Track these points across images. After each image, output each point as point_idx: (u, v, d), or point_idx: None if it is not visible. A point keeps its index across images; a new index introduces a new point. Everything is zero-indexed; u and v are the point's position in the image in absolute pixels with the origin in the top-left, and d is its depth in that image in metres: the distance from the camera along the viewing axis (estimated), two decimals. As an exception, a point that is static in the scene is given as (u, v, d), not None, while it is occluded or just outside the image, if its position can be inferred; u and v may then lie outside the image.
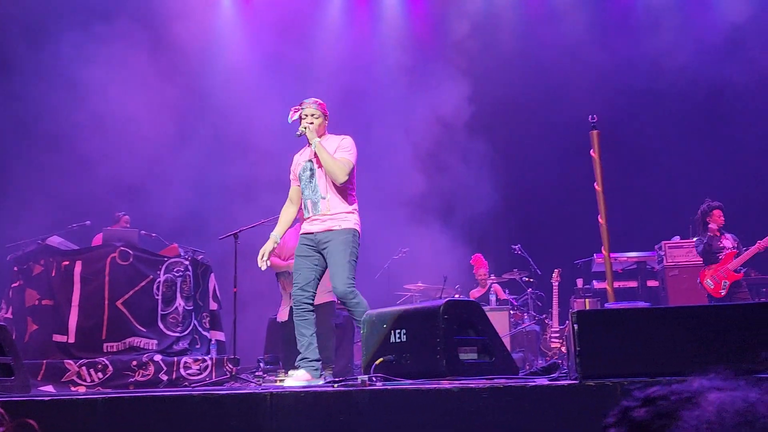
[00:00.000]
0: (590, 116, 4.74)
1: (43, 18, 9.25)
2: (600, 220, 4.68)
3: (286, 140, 10.01)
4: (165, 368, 5.87)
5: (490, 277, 8.89)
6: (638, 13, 10.59)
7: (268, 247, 4.91)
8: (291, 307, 6.72)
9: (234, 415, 2.91)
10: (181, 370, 5.92)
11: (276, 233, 4.97)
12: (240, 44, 10.91)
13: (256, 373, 5.93)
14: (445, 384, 2.98)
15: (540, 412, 2.68)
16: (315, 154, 4.76)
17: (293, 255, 6.76)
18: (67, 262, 6.24)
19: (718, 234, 7.28)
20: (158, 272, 6.30)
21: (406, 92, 10.33)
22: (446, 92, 10.32)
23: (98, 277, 6.14)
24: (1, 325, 3.99)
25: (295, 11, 10.70)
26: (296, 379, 4.53)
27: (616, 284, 7.58)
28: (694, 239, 7.60)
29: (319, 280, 4.85)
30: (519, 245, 9.02)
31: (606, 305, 4.87)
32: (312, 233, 4.77)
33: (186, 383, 5.79)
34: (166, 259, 6.41)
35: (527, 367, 7.41)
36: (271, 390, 3.04)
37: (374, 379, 3.41)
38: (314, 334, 4.81)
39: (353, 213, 4.80)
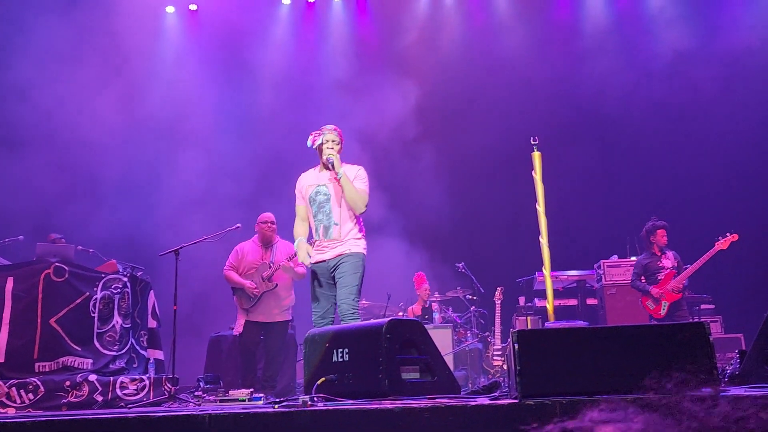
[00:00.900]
0: (532, 138, 4.84)
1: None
2: (541, 239, 4.76)
3: (226, 155, 9.99)
4: (100, 388, 5.68)
5: (433, 294, 8.93)
6: (584, 35, 10.85)
7: (305, 245, 4.96)
8: (246, 321, 6.68)
9: (170, 437, 2.84)
10: (117, 391, 5.74)
11: (300, 238, 5.03)
12: (184, 56, 10.78)
13: (196, 393, 5.80)
14: (386, 404, 2.97)
15: (481, 431, 2.70)
16: (332, 179, 4.97)
17: (252, 269, 6.71)
18: (-3, 278, 6.00)
19: (659, 254, 7.46)
20: (95, 289, 6.11)
21: (351, 104, 10.33)
22: (391, 106, 10.38)
23: (31, 294, 5.91)
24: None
25: (241, 22, 10.64)
26: None
27: (556, 302, 7.72)
28: (642, 255, 7.74)
29: (336, 305, 4.94)
30: (462, 263, 9.10)
31: (546, 324, 4.95)
32: (324, 261, 4.92)
33: (122, 404, 5.61)
34: (103, 275, 6.22)
35: (470, 385, 7.46)
36: (209, 411, 2.98)
37: (316, 399, 3.38)
38: None
39: (362, 239, 5.00)
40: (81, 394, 5.62)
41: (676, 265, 7.38)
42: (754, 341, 3.28)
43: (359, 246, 4.93)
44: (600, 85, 10.31)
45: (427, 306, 8.62)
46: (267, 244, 6.90)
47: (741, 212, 9.37)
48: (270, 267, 6.69)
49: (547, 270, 4.76)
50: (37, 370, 5.73)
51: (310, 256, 4.87)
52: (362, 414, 2.82)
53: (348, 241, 4.91)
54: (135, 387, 5.81)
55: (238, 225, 6.58)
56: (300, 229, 5.11)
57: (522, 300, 9.10)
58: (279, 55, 10.97)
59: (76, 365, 5.83)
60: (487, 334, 8.50)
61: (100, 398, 5.63)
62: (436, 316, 8.58)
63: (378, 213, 9.86)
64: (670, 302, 7.21)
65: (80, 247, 7.02)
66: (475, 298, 9.02)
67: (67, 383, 5.62)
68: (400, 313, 8.61)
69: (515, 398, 2.79)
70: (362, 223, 5.09)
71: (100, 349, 5.99)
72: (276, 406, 3.16)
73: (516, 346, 2.83)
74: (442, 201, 10.33)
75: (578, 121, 10.48)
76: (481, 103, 10.68)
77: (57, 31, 9.17)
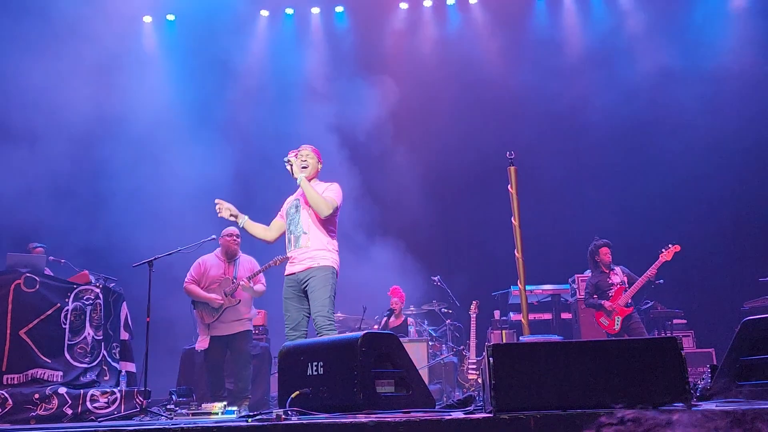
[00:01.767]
0: (508, 152, 4.87)
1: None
2: (516, 253, 4.79)
3: (202, 168, 9.93)
4: (70, 401, 5.58)
5: (408, 308, 8.92)
6: (563, 52, 10.97)
7: (235, 211, 5.21)
8: (211, 337, 6.61)
9: (141, 452, 2.79)
10: (88, 404, 5.65)
11: (248, 221, 5.26)
12: (162, 65, 10.73)
13: (168, 406, 5.72)
14: (361, 418, 2.95)
15: (455, 445, 2.69)
16: (303, 192, 5.07)
17: (215, 284, 6.65)
18: (-35, 289, 5.88)
19: (606, 271, 7.65)
20: (66, 300, 6.01)
21: (328, 112, 10.34)
22: (368, 116, 10.41)
23: (0, 305, 5.81)
24: None
25: (220, 32, 10.62)
26: None
27: (531, 316, 7.76)
28: (591, 275, 7.92)
29: (309, 318, 4.99)
30: (438, 277, 9.11)
31: (521, 338, 4.96)
32: (294, 273, 5.01)
33: (92, 417, 5.52)
34: (75, 286, 6.13)
35: (445, 398, 7.45)
36: (181, 425, 2.94)
37: (290, 413, 3.35)
38: None
39: (332, 252, 5.06)
40: (50, 407, 5.52)
41: (625, 279, 7.63)
42: (725, 356, 3.32)
43: (327, 259, 5.00)
44: (577, 101, 10.43)
45: (402, 321, 8.60)
46: (230, 257, 6.87)
47: (719, 228, 9.51)
48: (233, 283, 6.65)
49: (522, 284, 4.78)
50: (5, 383, 5.62)
51: (232, 216, 5.16)
52: (337, 428, 2.80)
53: (317, 252, 4.98)
54: (106, 400, 5.72)
55: (213, 236, 6.54)
56: (261, 229, 5.30)
57: (497, 314, 9.13)
58: (258, 64, 10.98)
59: (45, 378, 5.73)
60: (462, 347, 8.51)
61: (69, 411, 5.54)
62: (411, 329, 8.57)
63: (354, 226, 9.86)
64: (623, 317, 7.43)
65: (52, 258, 6.92)
66: (450, 311, 9.03)
67: (36, 396, 5.52)
68: (375, 326, 8.58)
69: (490, 412, 2.79)
70: (335, 235, 5.15)
71: (71, 361, 5.89)
72: (249, 419, 3.13)
73: (491, 360, 2.84)
74: (418, 215, 10.35)
75: (555, 136, 10.58)
76: (458, 118, 10.75)
77: (30, 36, 9.10)
